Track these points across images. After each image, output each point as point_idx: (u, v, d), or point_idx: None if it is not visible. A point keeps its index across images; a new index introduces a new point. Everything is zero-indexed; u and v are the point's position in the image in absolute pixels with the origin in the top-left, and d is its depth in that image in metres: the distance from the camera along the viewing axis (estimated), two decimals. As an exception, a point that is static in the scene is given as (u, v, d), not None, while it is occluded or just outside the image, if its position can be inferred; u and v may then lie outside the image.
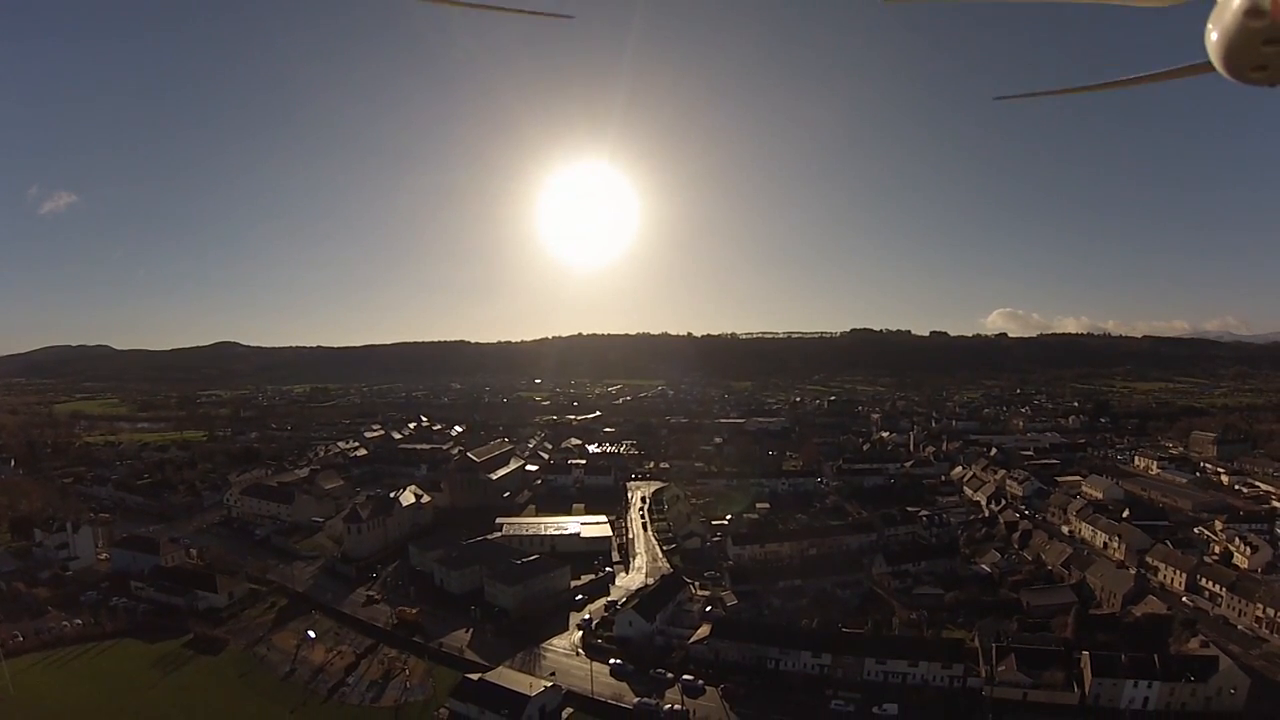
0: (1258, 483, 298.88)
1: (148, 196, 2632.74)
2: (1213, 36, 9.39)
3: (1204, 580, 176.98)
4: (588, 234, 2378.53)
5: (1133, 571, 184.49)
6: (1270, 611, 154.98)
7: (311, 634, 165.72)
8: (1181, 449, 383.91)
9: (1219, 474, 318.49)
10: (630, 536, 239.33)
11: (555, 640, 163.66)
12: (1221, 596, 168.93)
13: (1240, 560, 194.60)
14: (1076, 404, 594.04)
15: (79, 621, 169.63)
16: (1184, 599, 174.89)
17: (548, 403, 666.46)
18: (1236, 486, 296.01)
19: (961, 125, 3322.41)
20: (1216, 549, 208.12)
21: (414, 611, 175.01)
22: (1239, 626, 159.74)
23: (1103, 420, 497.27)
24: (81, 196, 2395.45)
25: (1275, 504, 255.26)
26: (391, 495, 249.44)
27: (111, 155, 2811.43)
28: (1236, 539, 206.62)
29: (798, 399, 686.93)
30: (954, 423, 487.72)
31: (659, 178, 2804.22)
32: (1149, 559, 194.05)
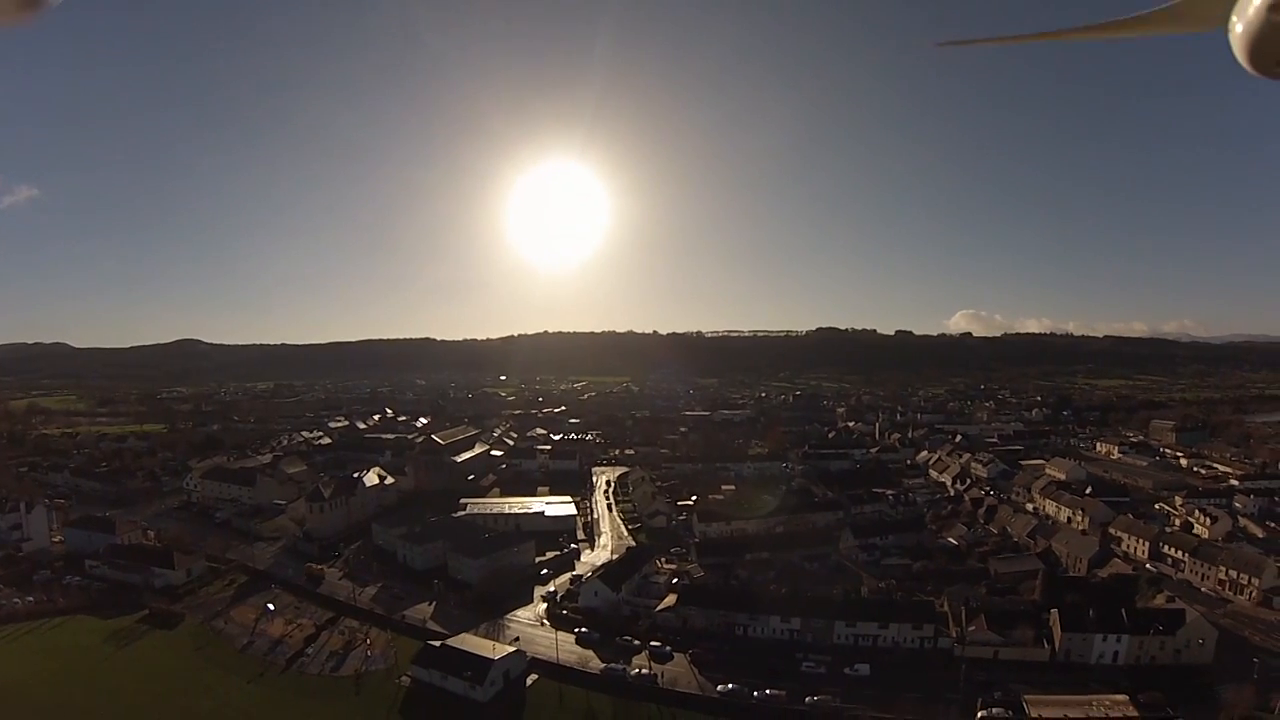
0: (1216, 464, 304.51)
1: (108, 191, 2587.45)
2: (1237, 29, 9.03)
3: (1167, 548, 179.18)
4: (556, 233, 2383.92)
5: (1097, 538, 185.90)
6: (1233, 574, 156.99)
7: (271, 607, 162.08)
8: (1142, 437, 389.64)
9: (1178, 458, 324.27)
10: (595, 517, 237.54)
11: (520, 612, 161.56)
12: (1184, 562, 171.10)
13: (1201, 530, 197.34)
14: (1040, 398, 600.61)
15: (31, 599, 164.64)
16: (1148, 565, 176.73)
17: (513, 398, 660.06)
18: (1195, 469, 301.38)
19: (928, 130, 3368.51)
20: (1177, 521, 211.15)
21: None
22: (1203, 589, 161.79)
23: (1065, 413, 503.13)
24: (41, 190, 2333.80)
25: (1233, 483, 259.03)
26: (355, 476, 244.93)
27: (72, 148, 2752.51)
28: (1196, 511, 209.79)
29: (763, 394, 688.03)
30: (919, 415, 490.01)
31: (627, 177, 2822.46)
32: (1112, 530, 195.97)
